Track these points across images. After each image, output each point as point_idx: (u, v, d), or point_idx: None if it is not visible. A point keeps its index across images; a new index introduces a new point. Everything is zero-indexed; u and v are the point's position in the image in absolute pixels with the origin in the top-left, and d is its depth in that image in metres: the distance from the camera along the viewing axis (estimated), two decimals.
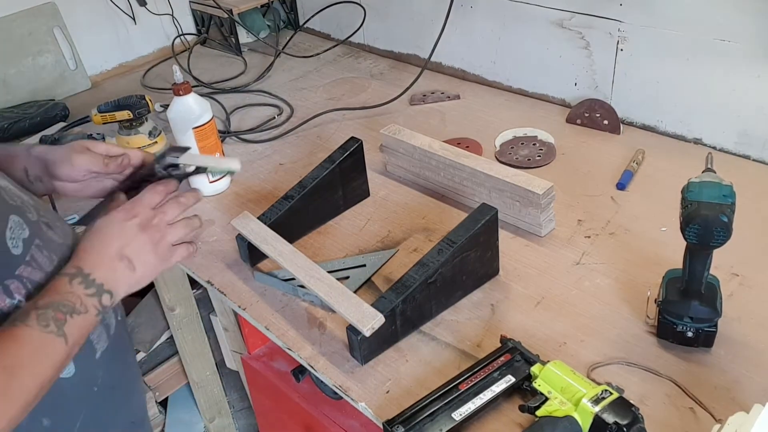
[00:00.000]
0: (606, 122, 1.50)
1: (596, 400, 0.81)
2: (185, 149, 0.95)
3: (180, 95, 1.34)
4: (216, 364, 1.77)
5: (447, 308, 1.08)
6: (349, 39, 2.03)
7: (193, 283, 1.65)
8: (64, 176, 0.91)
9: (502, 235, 1.15)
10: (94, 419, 0.83)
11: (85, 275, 0.75)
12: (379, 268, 1.18)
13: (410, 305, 1.01)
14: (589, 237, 1.20)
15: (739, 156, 1.36)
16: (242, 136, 1.65)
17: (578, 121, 1.54)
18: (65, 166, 0.90)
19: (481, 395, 0.89)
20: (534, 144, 1.47)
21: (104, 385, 0.84)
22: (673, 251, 1.02)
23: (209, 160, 0.94)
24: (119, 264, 0.79)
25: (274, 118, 1.72)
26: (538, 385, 0.88)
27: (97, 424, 0.84)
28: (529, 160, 1.42)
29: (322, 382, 1.09)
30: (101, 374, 0.83)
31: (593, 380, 0.89)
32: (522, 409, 0.87)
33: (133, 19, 2.04)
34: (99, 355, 0.82)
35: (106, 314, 0.79)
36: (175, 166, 0.92)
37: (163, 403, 1.89)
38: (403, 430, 0.85)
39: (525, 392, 0.91)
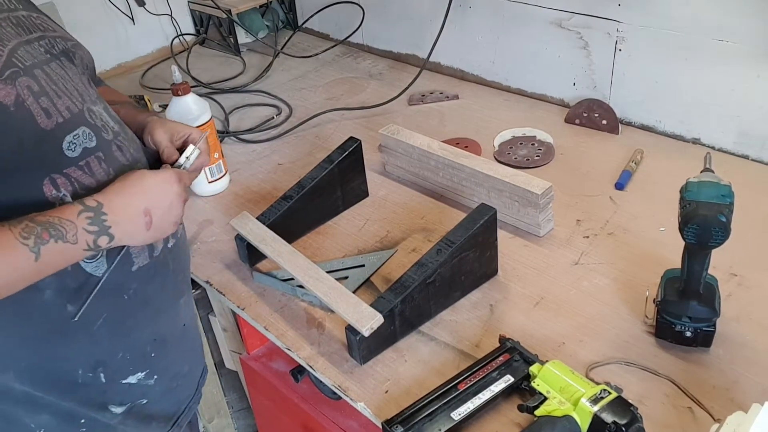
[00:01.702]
0: (605, 122, 1.50)
1: (595, 400, 0.81)
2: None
3: (179, 95, 1.34)
4: (215, 364, 1.76)
5: (446, 308, 1.08)
6: (348, 39, 2.03)
7: (192, 283, 1.64)
8: (145, 142, 0.99)
9: (501, 235, 1.15)
10: (118, 323, 0.88)
11: (99, 213, 0.77)
12: (378, 269, 1.18)
13: (409, 305, 1.01)
14: (587, 237, 1.20)
15: (738, 156, 1.36)
16: (241, 136, 1.65)
17: (577, 121, 1.54)
18: (146, 135, 0.99)
19: (480, 395, 0.89)
20: (533, 144, 1.48)
21: (136, 297, 0.88)
22: (671, 251, 1.02)
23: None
24: (140, 218, 0.82)
25: (273, 118, 1.72)
26: (537, 384, 0.88)
27: (121, 328, 0.89)
28: (527, 160, 1.43)
29: (321, 382, 1.09)
30: (134, 287, 0.88)
31: (592, 380, 0.89)
32: (521, 408, 0.87)
33: (132, 19, 2.04)
34: (135, 269, 0.87)
35: (96, 253, 0.81)
36: None
37: None
38: (402, 429, 0.86)
39: (524, 392, 0.91)
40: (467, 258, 1.06)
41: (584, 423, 0.81)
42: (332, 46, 2.06)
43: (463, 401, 0.88)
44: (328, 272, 1.06)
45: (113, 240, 0.79)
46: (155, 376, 0.95)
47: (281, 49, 2.06)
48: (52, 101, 0.79)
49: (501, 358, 0.93)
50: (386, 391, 0.96)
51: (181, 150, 1.00)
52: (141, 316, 0.91)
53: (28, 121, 0.76)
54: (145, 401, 0.95)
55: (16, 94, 0.74)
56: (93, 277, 0.83)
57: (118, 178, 0.83)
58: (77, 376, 0.86)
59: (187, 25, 2.19)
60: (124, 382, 0.91)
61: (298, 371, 1.25)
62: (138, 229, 0.82)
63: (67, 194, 0.79)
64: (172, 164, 0.96)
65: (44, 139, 0.77)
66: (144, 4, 2.05)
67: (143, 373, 0.93)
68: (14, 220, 0.72)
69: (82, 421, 0.89)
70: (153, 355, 0.94)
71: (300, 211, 1.24)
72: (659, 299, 0.96)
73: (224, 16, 2.05)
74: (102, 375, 0.88)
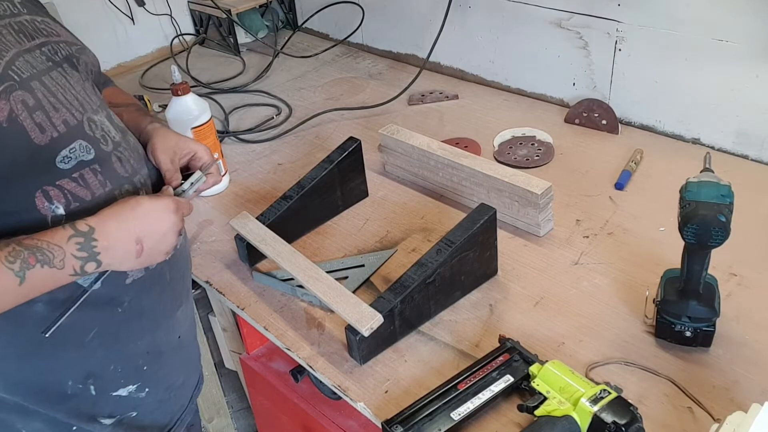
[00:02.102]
0: (604, 122, 1.50)
1: (595, 400, 0.81)
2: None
3: (178, 95, 1.34)
4: (215, 364, 1.76)
5: (446, 308, 1.08)
6: (348, 39, 2.03)
7: (192, 283, 1.64)
8: (148, 155, 0.98)
9: (501, 235, 1.15)
10: (111, 336, 0.87)
11: (90, 238, 0.77)
12: (378, 268, 1.18)
13: (409, 305, 1.01)
14: (587, 237, 1.20)
15: (738, 156, 1.36)
16: (241, 136, 1.65)
17: (576, 121, 1.54)
18: (149, 152, 0.98)
19: (479, 395, 0.89)
20: (532, 144, 1.48)
21: (130, 310, 0.88)
22: (671, 251, 1.02)
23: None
24: (131, 246, 0.81)
25: (273, 118, 1.72)
26: (537, 384, 0.88)
27: (114, 341, 0.88)
28: (527, 160, 1.43)
29: (320, 382, 1.09)
30: (128, 299, 0.87)
31: (592, 380, 0.89)
32: (521, 408, 0.87)
33: (132, 19, 2.03)
34: (130, 281, 0.87)
35: (81, 278, 0.80)
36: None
37: None
38: (401, 429, 0.86)
39: (524, 392, 0.91)
40: (467, 258, 1.06)
41: (584, 423, 0.81)
42: (332, 46, 2.06)
43: (463, 401, 0.88)
44: (327, 272, 1.06)
45: (101, 266, 0.78)
46: (147, 389, 0.94)
47: (281, 49, 2.06)
48: (48, 115, 0.78)
49: (501, 358, 0.93)
50: (386, 391, 0.96)
51: (186, 168, 0.99)
52: (135, 328, 0.90)
53: (21, 137, 0.75)
54: (135, 413, 0.94)
55: (9, 110, 0.74)
56: (83, 290, 0.82)
57: (116, 202, 0.82)
58: (67, 388, 0.86)
59: (187, 25, 2.19)
60: (114, 394, 0.91)
61: (298, 371, 1.25)
62: (127, 256, 0.81)
63: (60, 206, 0.79)
64: (175, 188, 0.95)
65: (38, 154, 0.77)
66: (144, 4, 2.05)
67: (135, 386, 0.92)
68: (1, 242, 0.72)
69: (74, 428, 0.89)
70: (146, 368, 0.93)
71: (300, 211, 1.24)
72: (659, 299, 0.96)
73: (224, 16, 2.05)
74: (92, 387, 0.87)
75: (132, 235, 0.80)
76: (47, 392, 0.85)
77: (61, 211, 0.79)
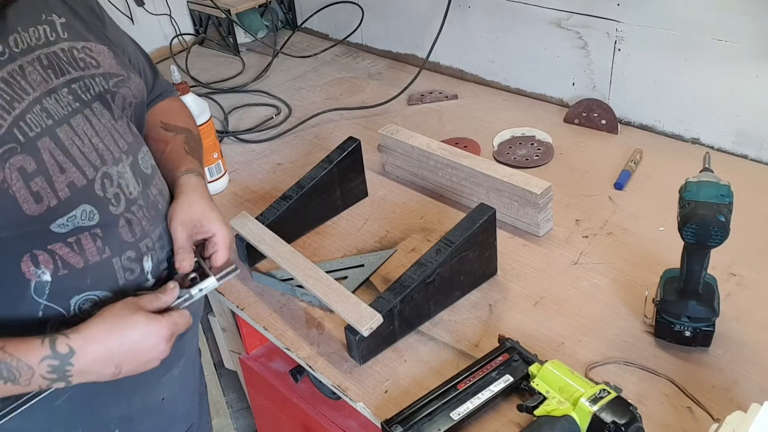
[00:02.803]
0: (604, 122, 1.50)
1: (594, 400, 0.81)
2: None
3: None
4: (214, 364, 1.76)
5: (445, 308, 1.08)
6: (347, 39, 2.03)
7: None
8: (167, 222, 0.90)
9: (500, 234, 1.15)
10: (83, 401, 0.83)
11: (65, 362, 0.72)
12: (378, 268, 1.18)
13: (408, 305, 1.01)
14: (587, 237, 1.20)
15: (737, 156, 1.36)
16: (240, 136, 1.65)
17: (576, 121, 1.54)
18: (168, 215, 0.90)
19: (479, 395, 0.89)
20: (532, 144, 1.48)
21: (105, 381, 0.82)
22: (670, 251, 1.02)
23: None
24: (109, 370, 0.75)
25: (272, 118, 1.72)
26: (536, 384, 0.88)
27: (86, 407, 0.84)
28: (527, 159, 1.43)
29: (320, 382, 1.09)
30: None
31: (591, 380, 0.89)
32: (520, 408, 0.87)
33: (131, 19, 2.03)
34: None
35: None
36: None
37: None
38: (401, 429, 0.85)
39: (523, 392, 0.91)
40: (466, 258, 1.06)
41: (583, 423, 0.81)
42: (331, 46, 2.06)
43: (463, 401, 0.88)
44: (327, 272, 1.06)
45: (69, 385, 0.74)
46: None
47: (280, 48, 2.06)
48: (50, 180, 0.73)
49: (500, 358, 0.93)
50: (385, 391, 0.96)
51: (200, 245, 0.91)
52: (108, 396, 0.86)
53: (11, 208, 0.70)
54: None
55: (1, 179, 0.69)
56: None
57: (109, 314, 0.75)
58: None
59: (186, 25, 2.19)
60: None
61: (298, 371, 1.25)
62: (99, 378, 0.76)
63: (47, 272, 0.74)
64: (183, 280, 0.87)
65: (29, 224, 0.72)
66: (143, 3, 2.04)
67: None
68: None
69: None
70: (117, 431, 0.89)
71: (299, 211, 1.24)
72: (658, 299, 0.96)
73: (223, 15, 2.05)
74: None
75: (112, 362, 0.75)
76: None
77: (47, 277, 0.75)
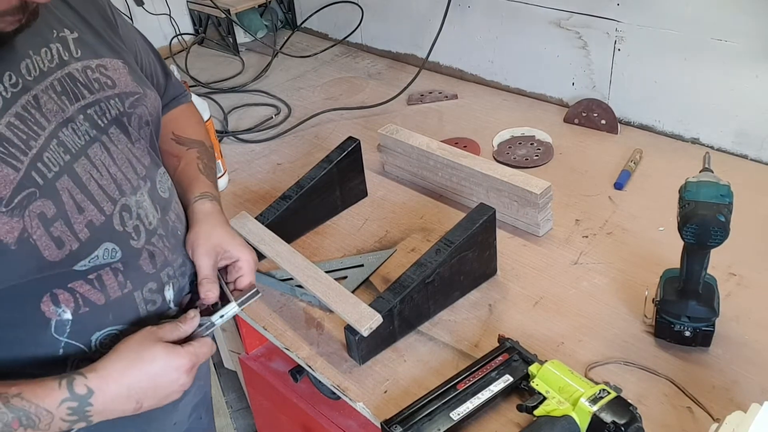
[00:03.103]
0: (604, 122, 1.50)
1: (594, 400, 0.81)
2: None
3: None
4: (214, 364, 1.76)
5: (445, 308, 1.08)
6: (347, 39, 2.03)
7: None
8: (187, 249, 0.89)
9: (500, 234, 1.15)
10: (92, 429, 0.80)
11: (85, 404, 0.70)
12: (377, 268, 1.17)
13: (408, 305, 1.01)
14: (586, 237, 1.20)
15: (737, 155, 1.36)
16: (240, 136, 1.65)
17: (576, 121, 1.54)
18: (188, 246, 0.88)
19: (479, 395, 0.89)
20: (532, 144, 1.47)
21: None
22: (670, 251, 1.02)
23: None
24: (129, 406, 0.73)
25: (272, 117, 1.72)
26: (536, 384, 0.88)
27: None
28: (526, 159, 1.43)
29: (320, 382, 1.09)
30: None
31: (591, 380, 0.89)
32: (520, 408, 0.87)
33: (131, 18, 2.03)
34: None
35: None
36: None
37: None
38: (401, 429, 0.85)
39: (523, 392, 0.91)
40: (466, 258, 1.06)
41: (583, 423, 0.81)
42: (331, 46, 2.06)
43: (462, 401, 0.88)
44: (327, 272, 1.06)
45: (89, 424, 0.72)
46: None
47: (280, 48, 2.06)
48: (69, 222, 0.71)
49: (500, 358, 0.93)
50: (385, 391, 0.96)
51: (222, 269, 0.89)
52: (126, 425, 0.81)
53: (32, 256, 0.68)
54: None
55: (21, 228, 0.66)
56: None
57: (126, 350, 0.73)
58: None
59: (186, 25, 2.19)
60: None
61: (297, 371, 1.25)
62: (120, 415, 0.74)
63: (68, 311, 0.73)
64: (206, 308, 0.85)
65: (50, 268, 0.70)
66: (143, 3, 2.04)
67: None
68: None
69: None
70: None
71: (299, 211, 1.24)
72: (658, 299, 0.96)
73: (223, 15, 2.05)
74: None
75: (132, 399, 0.73)
76: None
77: (68, 316, 0.73)
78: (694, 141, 1.42)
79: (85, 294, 0.74)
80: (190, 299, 0.90)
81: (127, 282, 0.78)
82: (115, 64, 0.82)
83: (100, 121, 0.77)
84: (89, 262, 0.73)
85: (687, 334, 0.94)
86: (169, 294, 0.85)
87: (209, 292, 0.86)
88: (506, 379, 0.90)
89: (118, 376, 0.72)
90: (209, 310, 0.86)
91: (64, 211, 0.71)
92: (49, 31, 0.76)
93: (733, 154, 1.36)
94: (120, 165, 0.78)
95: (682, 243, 0.90)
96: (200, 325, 0.83)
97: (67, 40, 0.77)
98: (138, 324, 0.80)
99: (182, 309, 0.87)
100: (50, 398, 0.68)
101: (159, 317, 0.83)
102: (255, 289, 0.89)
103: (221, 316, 0.85)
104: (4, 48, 0.69)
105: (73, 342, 0.76)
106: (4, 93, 0.68)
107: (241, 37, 2.12)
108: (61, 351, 0.76)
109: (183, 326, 0.80)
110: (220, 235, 0.89)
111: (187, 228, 0.90)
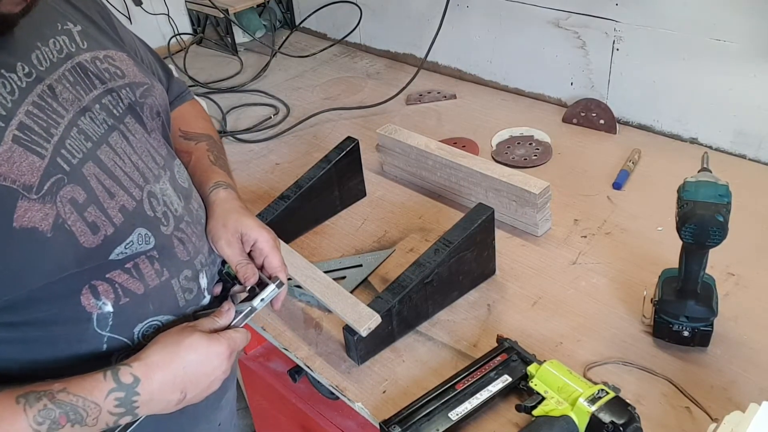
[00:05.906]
0: (602, 122, 1.50)
1: (593, 400, 0.81)
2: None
3: None
4: None
5: (443, 308, 1.08)
6: (346, 39, 2.03)
7: None
8: (209, 242, 0.89)
9: (499, 234, 1.15)
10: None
11: (132, 393, 0.69)
12: (376, 268, 1.17)
13: (407, 305, 1.01)
14: (585, 237, 1.20)
15: (735, 155, 1.36)
16: (238, 136, 1.65)
17: (574, 121, 1.54)
18: (210, 238, 0.88)
19: (477, 395, 0.89)
20: (530, 143, 1.47)
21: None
22: (669, 251, 1.02)
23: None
24: (174, 396, 0.73)
25: (271, 117, 1.72)
26: (535, 384, 0.88)
27: None
28: (525, 159, 1.43)
29: (318, 382, 1.09)
30: None
31: (590, 380, 0.89)
32: (519, 408, 0.87)
33: (129, 18, 2.03)
34: None
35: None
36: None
37: None
38: (399, 430, 0.85)
39: (522, 392, 0.91)
40: (465, 258, 1.06)
41: (582, 423, 0.81)
42: (330, 46, 2.06)
43: (461, 401, 0.88)
44: (325, 272, 1.05)
45: (135, 417, 0.71)
46: None
47: (278, 48, 2.06)
48: (102, 207, 0.70)
49: (499, 358, 0.93)
50: (384, 391, 0.95)
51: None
52: (173, 426, 0.83)
53: (69, 243, 0.67)
54: None
55: (55, 215, 0.65)
56: None
57: (166, 340, 0.73)
58: None
59: (185, 25, 2.19)
60: None
61: (296, 371, 1.25)
62: (166, 407, 0.73)
63: (108, 302, 0.72)
64: (233, 297, 0.84)
65: (87, 256, 0.69)
66: (141, 3, 2.04)
67: None
68: (33, 395, 0.64)
69: None
70: None
71: (297, 211, 1.24)
72: (657, 299, 0.96)
73: (221, 15, 2.05)
74: None
75: (177, 387, 0.72)
76: None
77: (108, 308, 0.72)
78: (693, 141, 1.42)
79: (124, 284, 0.74)
80: (223, 287, 0.89)
81: (163, 270, 0.77)
82: (121, 56, 0.83)
83: (115, 111, 0.77)
84: (125, 248, 0.73)
85: (685, 334, 0.94)
86: (203, 282, 0.85)
87: (247, 273, 0.84)
88: (505, 379, 0.90)
89: (163, 364, 0.71)
90: (246, 298, 0.85)
91: (95, 197, 0.70)
92: (53, 24, 0.76)
93: (731, 153, 1.37)
94: (140, 154, 0.78)
95: (680, 243, 0.90)
96: (240, 313, 0.83)
97: (72, 33, 0.77)
98: (178, 315, 0.80)
99: (213, 300, 0.87)
100: (97, 390, 0.67)
101: (196, 308, 0.83)
102: (286, 271, 0.88)
103: (261, 300, 0.83)
104: (13, 38, 0.69)
105: (117, 336, 0.75)
106: (18, 82, 0.68)
107: (240, 36, 2.12)
108: (104, 346, 0.75)
109: (219, 320, 0.80)
110: (235, 221, 0.88)
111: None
